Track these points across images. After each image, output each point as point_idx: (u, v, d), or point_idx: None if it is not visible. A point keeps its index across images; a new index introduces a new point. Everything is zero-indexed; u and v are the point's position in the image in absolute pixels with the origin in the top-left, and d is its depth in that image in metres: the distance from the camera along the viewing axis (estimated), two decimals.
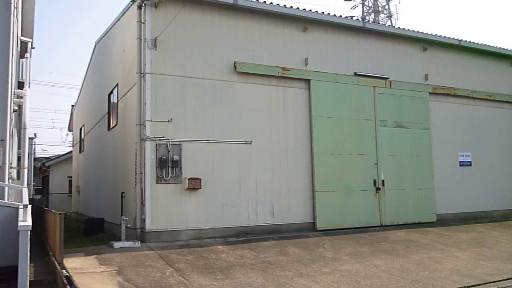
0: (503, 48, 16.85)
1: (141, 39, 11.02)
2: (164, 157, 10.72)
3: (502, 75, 17.13)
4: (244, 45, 12.07)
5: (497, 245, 11.10)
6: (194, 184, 10.84)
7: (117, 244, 9.86)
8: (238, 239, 10.79)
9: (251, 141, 11.78)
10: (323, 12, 12.97)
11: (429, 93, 14.91)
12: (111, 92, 14.50)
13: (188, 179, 10.81)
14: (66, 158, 27.77)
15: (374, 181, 13.33)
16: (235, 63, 11.76)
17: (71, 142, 30.20)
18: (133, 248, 9.70)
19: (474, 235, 12.30)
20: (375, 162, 13.44)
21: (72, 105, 26.68)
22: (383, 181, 13.43)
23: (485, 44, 16.36)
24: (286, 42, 12.71)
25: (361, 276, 7.94)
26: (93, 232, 13.09)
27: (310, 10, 12.82)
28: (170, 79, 11.07)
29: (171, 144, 10.85)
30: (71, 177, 25.71)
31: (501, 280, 7.84)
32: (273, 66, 12.26)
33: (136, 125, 10.89)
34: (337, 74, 13.21)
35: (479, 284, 7.59)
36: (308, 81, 12.77)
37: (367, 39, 14.06)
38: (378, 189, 13.33)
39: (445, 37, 15.37)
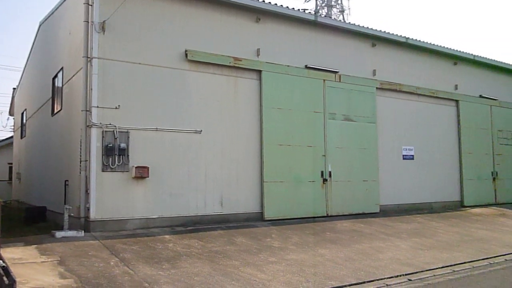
0: (447, 47, 17.59)
1: (88, 22, 10.63)
2: (111, 145, 10.44)
3: (445, 73, 17.89)
4: (196, 33, 11.91)
5: (435, 235, 11.65)
6: (142, 173, 10.64)
7: (59, 234, 9.54)
8: (186, 229, 10.73)
9: (201, 131, 11.69)
10: (276, 4, 13.01)
11: (377, 88, 15.34)
12: (56, 75, 13.92)
13: (136, 167, 10.59)
14: (6, 144, 26.53)
15: (322, 172, 13.61)
16: (186, 51, 11.60)
17: (12, 127, 28.85)
18: (76, 238, 9.42)
19: (414, 225, 12.84)
20: (323, 154, 13.71)
21: (14, 88, 25.42)
22: (330, 172, 13.73)
23: (430, 43, 17.00)
24: (239, 32, 12.67)
25: (307, 265, 8.11)
26: (34, 221, 12.60)
27: (263, 1, 12.81)
28: (118, 65, 10.75)
29: (118, 132, 10.58)
30: (11, 163, 24.58)
31: (436, 268, 8.25)
32: (225, 55, 12.18)
33: (82, 111, 10.53)
34: (288, 66, 13.33)
35: (417, 272, 7.95)
36: (259, 72, 12.79)
37: (319, 32, 14.25)
38: (325, 180, 13.62)
39: (393, 34, 15.84)
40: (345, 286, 7.04)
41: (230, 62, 12.22)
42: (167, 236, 9.84)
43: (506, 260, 9.20)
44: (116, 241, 9.22)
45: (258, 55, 12.79)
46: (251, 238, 10.15)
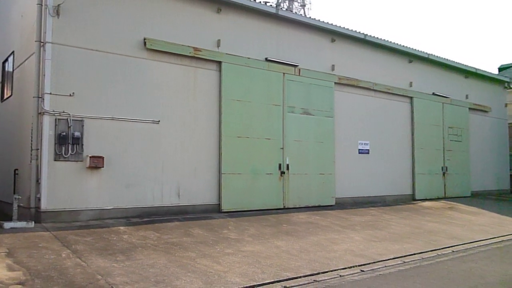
0: (403, 46, 18.05)
1: (42, 5, 10.20)
2: (64, 133, 10.10)
3: (400, 70, 18.38)
4: (155, 21, 11.67)
5: (388, 227, 12.01)
6: (97, 163, 10.37)
7: (7, 224, 9.17)
8: (142, 220, 10.56)
9: (159, 121, 11.51)
10: None
11: (335, 83, 15.57)
12: (6, 59, 13.32)
13: (90, 157, 10.30)
14: None
15: (280, 165, 13.72)
16: (145, 39, 11.35)
17: None
18: (26, 229, 9.08)
19: (368, 218, 13.18)
20: (281, 146, 13.81)
21: None
22: (288, 165, 13.86)
23: (387, 40, 17.41)
24: (199, 22, 12.51)
25: (262, 257, 8.17)
26: None
27: None
28: (73, 51, 10.39)
29: (73, 120, 10.25)
30: None
31: (388, 259, 8.51)
32: (185, 45, 12.01)
33: (34, 97, 10.12)
34: (249, 58, 13.30)
35: (369, 263, 8.17)
36: (219, 63, 12.71)
37: (280, 26, 14.29)
38: (283, 173, 13.75)
39: (352, 30, 16.10)
40: (300, 277, 7.14)
41: (190, 52, 12.07)
42: (122, 228, 9.66)
43: (453, 251, 9.60)
44: (69, 232, 8.96)
45: (218, 46, 12.70)
46: (208, 229, 10.13)
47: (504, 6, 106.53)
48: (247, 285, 6.59)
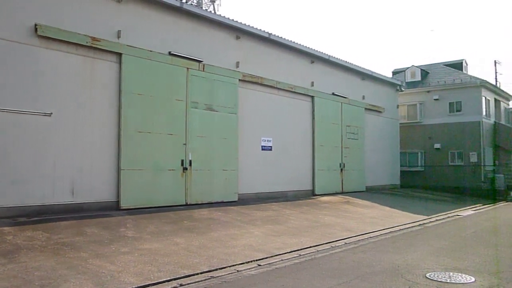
0: (306, 46, 18.70)
1: None
2: None
3: (303, 70, 19.02)
4: (49, 7, 10.89)
5: (287, 222, 12.35)
6: None
7: None
8: (30, 219, 9.80)
9: (51, 113, 10.77)
10: None
11: (239, 79, 15.70)
12: None
13: None
14: None
15: (182, 161, 13.52)
16: (36, 25, 10.54)
17: None
18: None
19: (269, 213, 13.46)
20: (184, 142, 13.62)
21: None
22: (190, 161, 13.71)
23: (291, 41, 17.91)
24: (99, 11, 11.91)
25: (160, 254, 7.98)
26: None
27: None
28: None
29: None
30: None
31: (285, 253, 8.74)
32: (82, 34, 11.36)
33: None
34: (151, 51, 12.93)
35: (267, 257, 8.32)
36: (120, 55, 12.19)
37: (185, 20, 14.07)
38: (185, 169, 13.57)
39: (257, 28, 16.33)
40: (197, 274, 7.07)
41: (87, 42, 11.43)
42: (6, 228, 8.89)
43: (345, 243, 10.11)
44: None
45: (119, 37, 12.18)
46: (104, 228, 9.67)
47: (398, 14, 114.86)
48: (142, 285, 6.38)
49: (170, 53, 13.47)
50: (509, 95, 33.44)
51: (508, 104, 34.09)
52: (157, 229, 10.08)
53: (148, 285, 6.42)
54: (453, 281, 6.77)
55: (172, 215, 11.75)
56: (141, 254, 7.91)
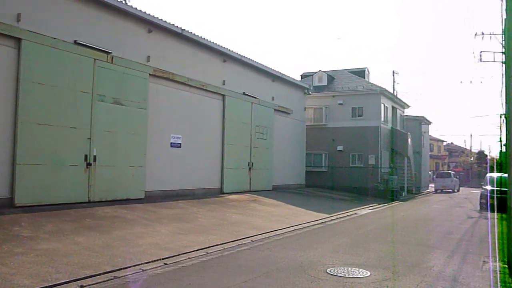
0: (218, 45, 18.72)
1: None
2: None
3: (215, 68, 19.03)
4: None
5: (195, 220, 12.28)
6: None
7: None
8: None
9: None
10: None
11: (150, 74, 15.30)
12: None
13: None
14: None
15: (86, 156, 12.87)
16: None
17: None
18: None
19: (176, 211, 13.29)
20: (88, 137, 12.97)
21: None
22: (95, 156, 13.09)
23: (204, 38, 17.83)
24: None
25: (60, 255, 7.53)
26: None
27: None
28: None
29: None
30: None
31: (192, 251, 8.68)
32: None
33: None
34: (55, 38, 12.14)
35: (173, 256, 8.21)
36: (19, 40, 11.29)
37: (93, 8, 13.40)
38: (89, 164, 12.93)
39: (169, 23, 16.03)
40: (100, 274, 6.77)
41: None
42: None
43: (252, 241, 10.29)
44: None
45: (18, 21, 11.28)
46: None
47: (309, 20, 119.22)
48: (38, 287, 5.98)
49: (76, 42, 12.75)
50: (405, 103, 36.23)
51: (404, 112, 36.90)
52: (56, 227, 9.50)
53: (45, 287, 6.03)
54: (351, 276, 7.19)
55: (73, 213, 11.14)
56: (38, 255, 7.41)
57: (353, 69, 34.29)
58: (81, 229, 9.59)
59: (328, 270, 7.48)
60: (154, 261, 7.75)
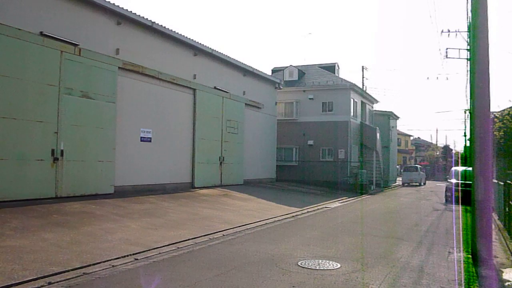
0: (189, 38, 18.55)
1: None
2: None
3: (185, 62, 18.86)
4: None
5: (166, 215, 12.18)
6: None
7: None
8: None
9: None
10: None
11: (119, 67, 15.04)
12: None
13: None
14: None
15: (53, 150, 12.57)
16: None
17: None
18: None
19: (147, 206, 13.14)
20: (55, 131, 12.66)
21: None
22: (62, 151, 12.80)
23: (175, 31, 17.63)
24: None
25: (26, 252, 7.35)
26: None
27: None
28: None
29: None
30: None
31: (163, 246, 8.62)
32: None
33: None
34: (19, 29, 11.77)
35: (144, 251, 8.12)
36: None
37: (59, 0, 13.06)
38: (56, 159, 12.64)
39: (139, 16, 15.77)
40: (69, 270, 6.64)
41: None
42: None
43: (223, 235, 10.29)
44: None
45: None
46: None
47: (280, 15, 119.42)
48: (3, 285, 5.81)
49: (41, 34, 12.40)
50: (374, 98, 36.82)
51: (372, 107, 37.51)
52: (22, 224, 9.25)
53: (11, 285, 5.87)
54: (322, 268, 7.28)
55: (40, 209, 10.88)
56: (3, 252, 7.20)
57: (323, 64, 34.59)
58: (48, 225, 9.37)
59: (299, 263, 7.55)
60: (125, 256, 7.65)
